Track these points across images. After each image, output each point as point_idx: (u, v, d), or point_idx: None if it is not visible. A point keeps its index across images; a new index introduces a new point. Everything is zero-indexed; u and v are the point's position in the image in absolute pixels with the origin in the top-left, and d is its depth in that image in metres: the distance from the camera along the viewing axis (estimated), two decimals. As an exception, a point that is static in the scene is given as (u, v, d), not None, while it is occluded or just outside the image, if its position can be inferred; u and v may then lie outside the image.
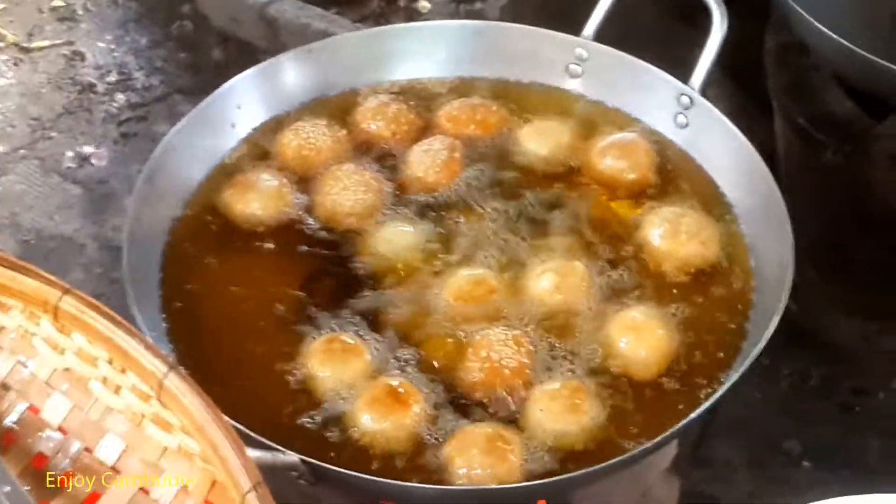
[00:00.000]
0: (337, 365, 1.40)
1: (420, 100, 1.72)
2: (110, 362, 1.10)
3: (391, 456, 1.35)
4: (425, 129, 1.69)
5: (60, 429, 1.15)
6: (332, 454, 1.34)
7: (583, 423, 1.37)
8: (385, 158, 1.65)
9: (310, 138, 1.64)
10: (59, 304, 1.08)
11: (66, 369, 1.15)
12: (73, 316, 1.08)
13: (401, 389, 1.37)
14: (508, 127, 1.69)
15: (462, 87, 1.74)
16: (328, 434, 1.36)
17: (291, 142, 1.64)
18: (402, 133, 1.67)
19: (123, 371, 1.09)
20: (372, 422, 1.35)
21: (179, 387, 1.03)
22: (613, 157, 1.62)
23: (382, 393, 1.37)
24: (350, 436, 1.36)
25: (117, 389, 1.11)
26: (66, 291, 1.08)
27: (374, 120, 1.67)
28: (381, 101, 1.69)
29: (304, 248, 1.54)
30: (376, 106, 1.69)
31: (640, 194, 1.61)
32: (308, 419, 1.37)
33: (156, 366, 1.04)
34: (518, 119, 1.69)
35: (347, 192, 1.57)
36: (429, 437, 1.36)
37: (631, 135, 1.66)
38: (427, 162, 1.62)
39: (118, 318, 1.06)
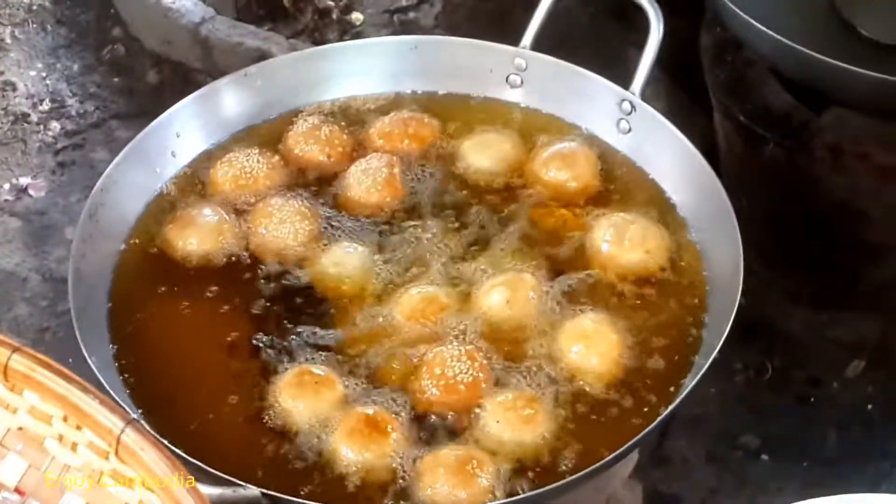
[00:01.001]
0: (308, 398, 1.39)
1: (356, 118, 1.71)
2: (65, 419, 1.08)
3: (363, 485, 1.34)
4: (361, 148, 1.67)
5: (17, 490, 1.13)
6: (303, 486, 1.33)
7: (541, 433, 1.37)
8: (324, 182, 1.63)
9: (245, 168, 1.62)
10: (8, 364, 1.07)
11: (20, 428, 1.12)
12: (24, 374, 1.06)
13: (377, 418, 1.37)
14: (443, 138, 1.68)
15: (400, 103, 1.72)
16: (297, 465, 1.35)
17: (227, 173, 1.62)
18: (337, 154, 1.65)
19: (79, 428, 1.07)
20: (350, 452, 1.35)
21: (137, 441, 1.02)
22: (557, 167, 1.62)
23: (359, 423, 1.36)
24: (320, 466, 1.35)
25: (74, 447, 1.10)
26: (15, 350, 1.07)
27: (308, 143, 1.65)
28: (313, 124, 1.67)
29: (252, 280, 1.53)
30: (307, 129, 1.67)
31: (586, 202, 1.60)
32: (272, 450, 1.37)
33: (112, 421, 1.03)
34: (457, 131, 1.68)
35: (285, 224, 1.55)
36: (392, 463, 1.35)
37: (574, 143, 1.65)
38: (367, 181, 1.60)
39: (71, 374, 1.05)
